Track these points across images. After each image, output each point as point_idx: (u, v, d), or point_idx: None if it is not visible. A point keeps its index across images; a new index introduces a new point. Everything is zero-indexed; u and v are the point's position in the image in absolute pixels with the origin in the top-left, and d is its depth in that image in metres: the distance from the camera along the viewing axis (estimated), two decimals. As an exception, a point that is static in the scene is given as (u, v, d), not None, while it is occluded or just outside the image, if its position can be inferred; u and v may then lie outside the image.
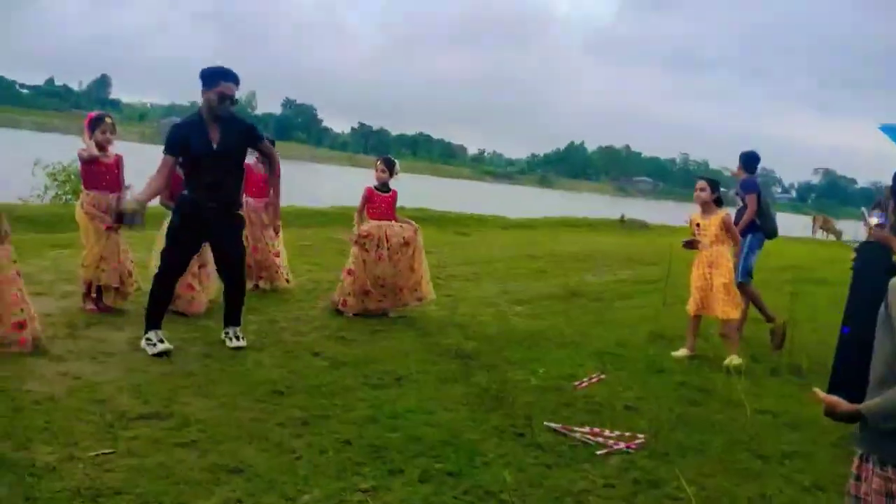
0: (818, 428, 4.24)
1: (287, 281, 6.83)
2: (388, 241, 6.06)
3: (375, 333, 5.61)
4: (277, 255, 6.72)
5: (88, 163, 5.31)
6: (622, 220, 21.79)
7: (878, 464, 1.95)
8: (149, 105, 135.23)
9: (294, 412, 3.78)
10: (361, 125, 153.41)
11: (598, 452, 3.67)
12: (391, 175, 6.17)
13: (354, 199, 6.49)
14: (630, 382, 4.92)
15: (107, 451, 3.10)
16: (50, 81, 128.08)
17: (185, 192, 4.74)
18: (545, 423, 4.00)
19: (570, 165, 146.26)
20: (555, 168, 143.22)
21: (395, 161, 6.32)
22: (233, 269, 4.85)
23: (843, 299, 4.55)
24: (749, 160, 6.76)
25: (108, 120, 5.43)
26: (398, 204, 6.39)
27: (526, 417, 4.04)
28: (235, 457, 3.18)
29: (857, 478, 2.02)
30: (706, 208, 5.66)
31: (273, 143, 5.45)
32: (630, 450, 3.73)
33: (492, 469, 3.37)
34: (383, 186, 6.20)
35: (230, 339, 4.82)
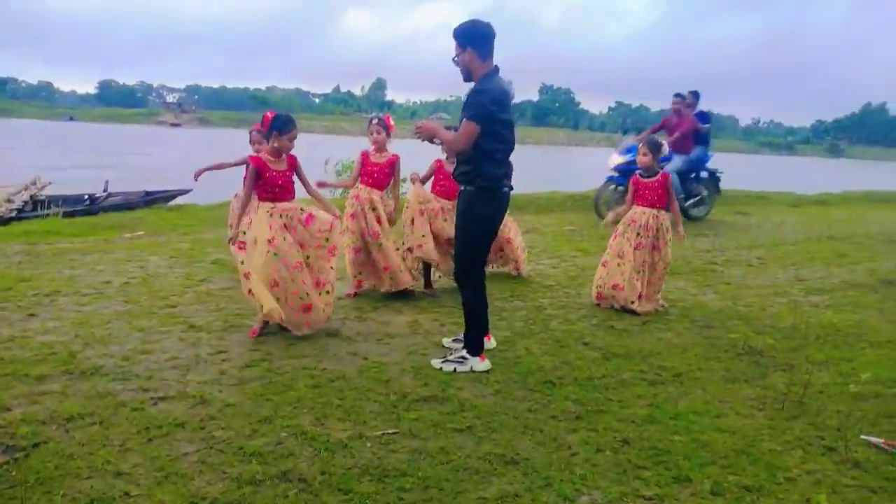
0: None
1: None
2: (647, 231, 5.53)
3: (648, 324, 5.25)
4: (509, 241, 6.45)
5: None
6: (945, 193, 18.24)
7: None
8: (418, 102, 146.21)
9: (567, 405, 3.63)
10: (619, 104, 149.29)
11: (939, 479, 2.96)
12: (654, 157, 5.57)
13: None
14: (980, 393, 3.95)
15: (391, 430, 3.24)
16: (336, 89, 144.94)
17: (491, 171, 3.98)
18: (862, 436, 3.37)
19: (867, 132, 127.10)
20: (847, 136, 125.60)
21: (662, 142, 5.73)
22: None
23: None
24: None
25: (373, 121, 5.57)
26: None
27: (837, 429, 3.44)
28: (511, 447, 3.12)
29: None
30: None
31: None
32: None
33: (798, 487, 2.90)
34: (647, 171, 5.59)
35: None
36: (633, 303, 5.49)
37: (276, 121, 4.46)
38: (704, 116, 10.77)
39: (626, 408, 3.63)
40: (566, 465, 2.99)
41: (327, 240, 4.64)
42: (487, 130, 3.87)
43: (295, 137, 4.53)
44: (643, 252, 5.53)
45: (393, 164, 5.58)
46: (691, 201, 10.87)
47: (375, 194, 5.54)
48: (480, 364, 4.12)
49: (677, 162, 10.32)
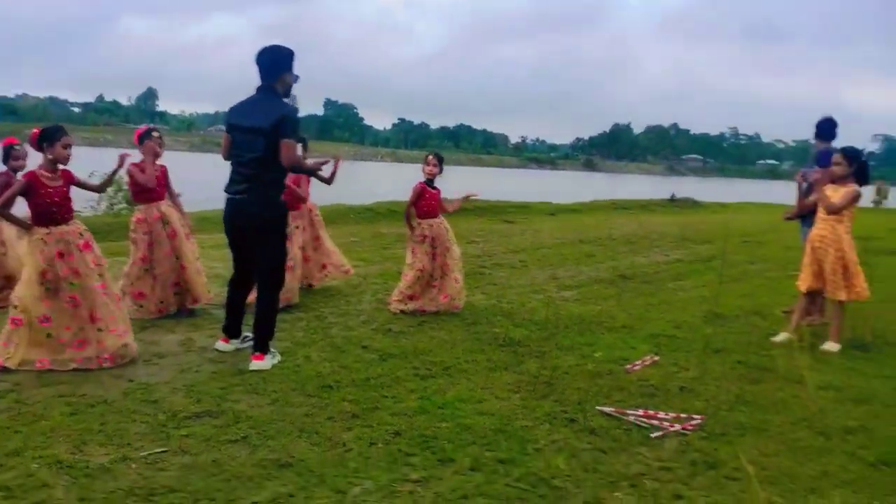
0: (882, 402, 4.07)
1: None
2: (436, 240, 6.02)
3: (422, 325, 5.58)
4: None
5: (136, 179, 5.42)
6: (672, 200, 21.39)
7: None
8: (195, 114, 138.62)
9: (344, 406, 3.77)
10: (402, 120, 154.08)
11: (653, 435, 3.55)
12: (441, 170, 6.04)
13: (399, 195, 6.32)
14: (686, 364, 4.77)
15: (159, 450, 3.14)
16: (100, 98, 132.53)
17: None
18: (597, 407, 3.90)
19: (616, 148, 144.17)
20: (600, 151, 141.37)
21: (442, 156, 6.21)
22: None
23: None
24: (824, 129, 6.12)
25: (154, 133, 5.53)
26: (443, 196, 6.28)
27: (578, 403, 3.95)
28: (286, 452, 3.18)
29: None
30: (841, 182, 5.20)
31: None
32: (687, 431, 3.61)
33: (544, 455, 3.29)
34: (431, 182, 6.05)
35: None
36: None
37: (45, 132, 4.27)
38: None
39: (399, 402, 3.86)
40: (340, 462, 3.12)
41: (101, 275, 4.35)
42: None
43: (69, 144, 4.31)
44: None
45: None
46: None
47: None
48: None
49: None
